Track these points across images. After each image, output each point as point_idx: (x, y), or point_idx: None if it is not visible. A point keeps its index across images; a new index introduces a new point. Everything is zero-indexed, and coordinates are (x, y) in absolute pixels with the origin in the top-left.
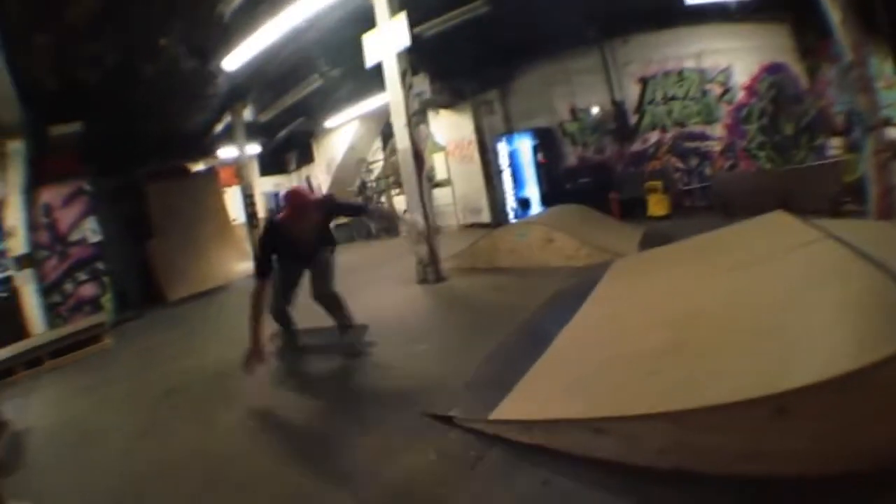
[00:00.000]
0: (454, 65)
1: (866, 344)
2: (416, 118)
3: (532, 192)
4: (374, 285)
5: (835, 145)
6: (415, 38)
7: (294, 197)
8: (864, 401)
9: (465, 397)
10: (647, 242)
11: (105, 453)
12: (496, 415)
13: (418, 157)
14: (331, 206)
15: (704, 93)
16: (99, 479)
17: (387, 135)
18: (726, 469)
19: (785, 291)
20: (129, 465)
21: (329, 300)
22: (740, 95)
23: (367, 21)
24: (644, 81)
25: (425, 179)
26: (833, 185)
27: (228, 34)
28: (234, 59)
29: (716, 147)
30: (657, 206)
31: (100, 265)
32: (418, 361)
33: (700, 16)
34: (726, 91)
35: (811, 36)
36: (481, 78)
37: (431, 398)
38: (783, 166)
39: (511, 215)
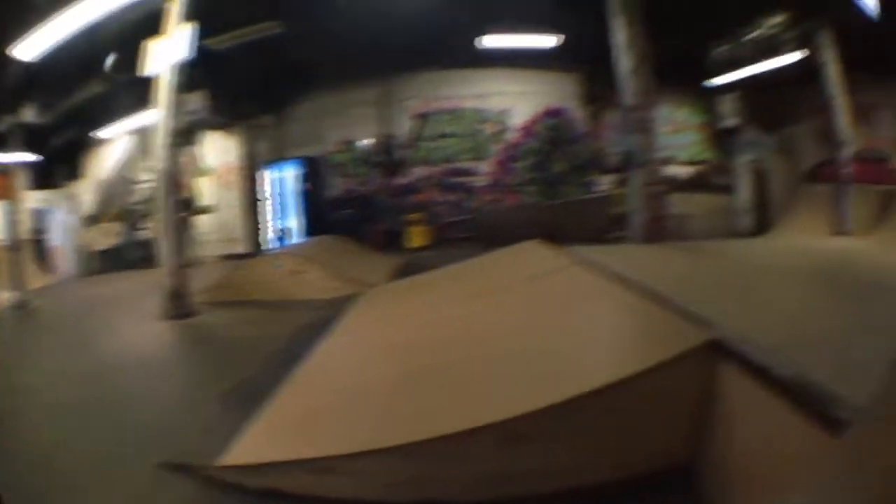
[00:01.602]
0: (237, 85)
1: (605, 363)
2: (185, 138)
3: (295, 222)
4: (114, 323)
5: (605, 182)
6: (202, 51)
7: None
8: (608, 416)
9: (203, 441)
10: (403, 273)
11: None
12: (231, 459)
13: (174, 181)
14: None
15: (478, 131)
16: None
17: None
18: (466, 497)
19: (530, 315)
20: None
21: None
22: (515, 135)
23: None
24: (420, 117)
25: (178, 205)
26: (600, 217)
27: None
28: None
29: (481, 182)
30: (417, 237)
31: None
32: (153, 406)
33: (490, 59)
34: (502, 131)
35: (600, 84)
36: (259, 101)
37: (166, 446)
38: (550, 201)
39: (270, 246)
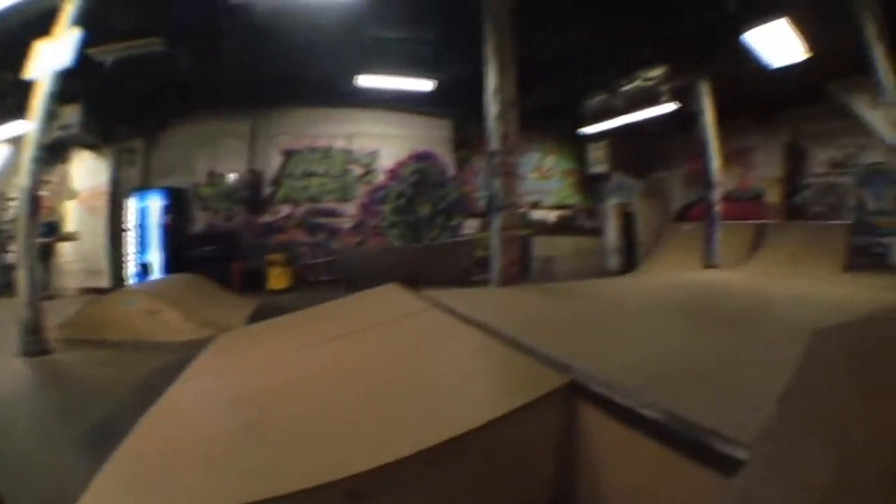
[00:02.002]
0: (112, 102)
1: (464, 409)
2: (56, 155)
3: (156, 256)
4: None
5: (471, 226)
6: (83, 60)
7: None
8: (468, 463)
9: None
10: (260, 316)
11: None
12: None
13: (35, 202)
14: None
15: (346, 172)
16: None
17: None
18: None
19: (387, 360)
20: None
21: None
22: (382, 178)
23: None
24: (288, 154)
25: (41, 228)
26: (465, 260)
27: None
28: None
29: (346, 224)
30: (278, 279)
31: None
32: None
33: (363, 99)
34: (368, 172)
35: (471, 130)
36: (133, 122)
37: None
38: (415, 244)
39: (131, 280)
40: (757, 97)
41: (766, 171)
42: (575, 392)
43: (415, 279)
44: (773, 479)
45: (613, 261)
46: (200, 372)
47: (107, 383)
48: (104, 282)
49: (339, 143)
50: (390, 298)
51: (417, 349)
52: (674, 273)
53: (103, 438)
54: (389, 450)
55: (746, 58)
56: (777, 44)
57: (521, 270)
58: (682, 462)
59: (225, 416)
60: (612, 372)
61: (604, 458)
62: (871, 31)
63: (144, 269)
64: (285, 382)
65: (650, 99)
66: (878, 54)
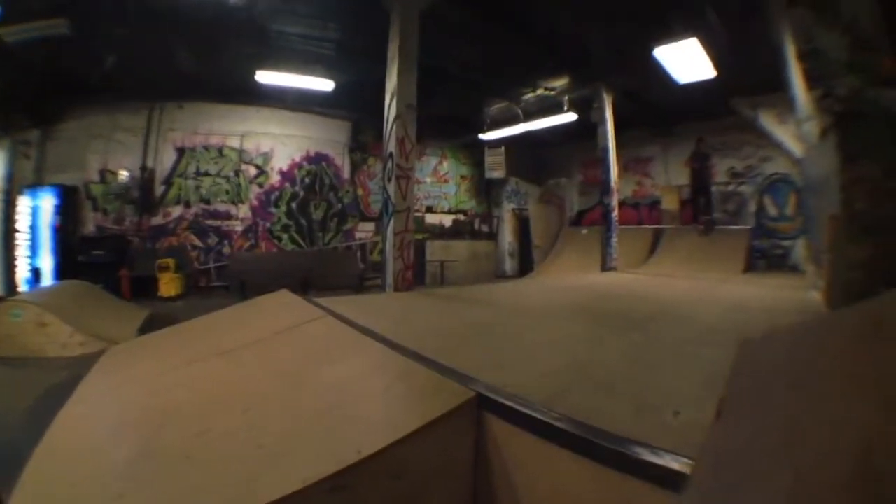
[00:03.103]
0: (9, 88)
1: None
2: None
3: (46, 261)
4: None
5: (365, 230)
6: None
7: None
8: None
9: None
10: (151, 326)
11: None
12: None
13: None
14: None
15: (238, 173)
16: None
17: None
18: None
19: (281, 375)
20: None
21: None
22: (275, 180)
23: None
24: (181, 151)
25: None
26: (358, 264)
27: None
28: None
29: (238, 227)
30: (169, 285)
31: None
32: None
33: (260, 97)
34: (261, 173)
35: (369, 134)
36: (30, 111)
37: None
38: (308, 248)
39: (24, 288)
40: (660, 109)
41: (665, 178)
42: (483, 406)
43: (307, 284)
44: (726, 501)
45: (508, 265)
46: (91, 392)
47: None
48: None
49: (232, 142)
50: (283, 306)
51: (314, 363)
52: (573, 276)
53: None
54: (291, 477)
55: (652, 72)
56: (686, 62)
57: (416, 275)
58: (607, 474)
59: (118, 445)
60: (523, 382)
61: (522, 475)
62: (790, 52)
63: (36, 274)
64: (176, 404)
65: (551, 108)
66: (795, 74)
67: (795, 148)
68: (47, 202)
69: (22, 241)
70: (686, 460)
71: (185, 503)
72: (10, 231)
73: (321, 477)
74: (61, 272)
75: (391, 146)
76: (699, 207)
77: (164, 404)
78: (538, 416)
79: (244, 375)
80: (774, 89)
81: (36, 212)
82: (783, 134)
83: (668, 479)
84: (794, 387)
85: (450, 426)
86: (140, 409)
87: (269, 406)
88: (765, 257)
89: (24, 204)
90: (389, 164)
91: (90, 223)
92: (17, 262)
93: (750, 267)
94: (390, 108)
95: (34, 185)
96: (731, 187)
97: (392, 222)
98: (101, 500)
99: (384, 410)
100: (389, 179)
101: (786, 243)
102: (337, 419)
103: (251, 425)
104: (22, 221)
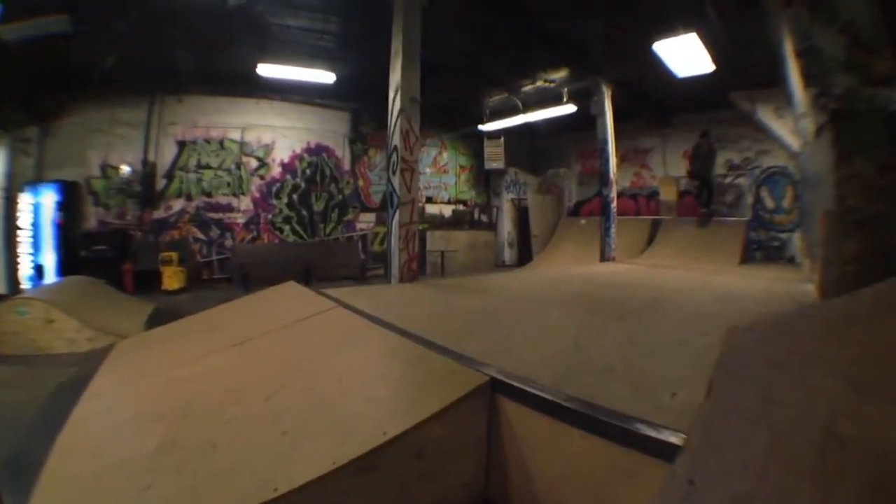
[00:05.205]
0: (9, 84)
1: (385, 412)
2: None
3: (49, 258)
4: None
5: (366, 221)
6: None
7: None
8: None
9: None
10: (157, 320)
11: None
12: None
13: None
14: None
15: (239, 165)
16: None
17: None
18: None
19: (302, 364)
20: None
21: None
22: (276, 171)
23: None
24: (182, 145)
25: None
26: (360, 255)
27: None
28: None
29: (239, 219)
30: (172, 279)
31: None
32: None
33: (260, 90)
34: (262, 166)
35: (369, 126)
36: (30, 107)
37: None
38: (310, 239)
39: (27, 285)
40: (658, 101)
41: (663, 169)
42: (496, 389)
43: (309, 274)
44: (713, 459)
45: (507, 254)
46: (106, 386)
47: (11, 407)
48: (1, 287)
49: (233, 135)
50: (292, 297)
51: (330, 351)
52: (572, 266)
53: (17, 476)
54: (320, 460)
55: (652, 65)
56: (685, 56)
57: (417, 266)
58: (612, 448)
59: (137, 437)
60: (530, 366)
61: (532, 452)
62: (787, 49)
63: (39, 271)
64: (197, 395)
65: (550, 99)
66: (792, 70)
67: (793, 142)
68: (48, 199)
69: (24, 238)
70: (683, 435)
71: (215, 487)
72: (12, 228)
73: (350, 458)
74: (64, 268)
75: (395, 140)
76: (702, 200)
77: (185, 396)
78: (548, 396)
79: (262, 365)
80: (772, 84)
81: (37, 208)
82: (781, 128)
83: (666, 452)
84: (774, 366)
85: (466, 408)
86: (160, 402)
87: (290, 393)
88: (761, 249)
89: (25, 201)
90: (394, 158)
91: (92, 218)
92: (19, 260)
93: (746, 258)
94: (394, 102)
95: (35, 182)
96: (728, 179)
97: (397, 215)
98: (128, 491)
99: (404, 395)
100: (394, 172)
101: (782, 235)
102: (359, 403)
103: (274, 412)
104: (23, 218)
